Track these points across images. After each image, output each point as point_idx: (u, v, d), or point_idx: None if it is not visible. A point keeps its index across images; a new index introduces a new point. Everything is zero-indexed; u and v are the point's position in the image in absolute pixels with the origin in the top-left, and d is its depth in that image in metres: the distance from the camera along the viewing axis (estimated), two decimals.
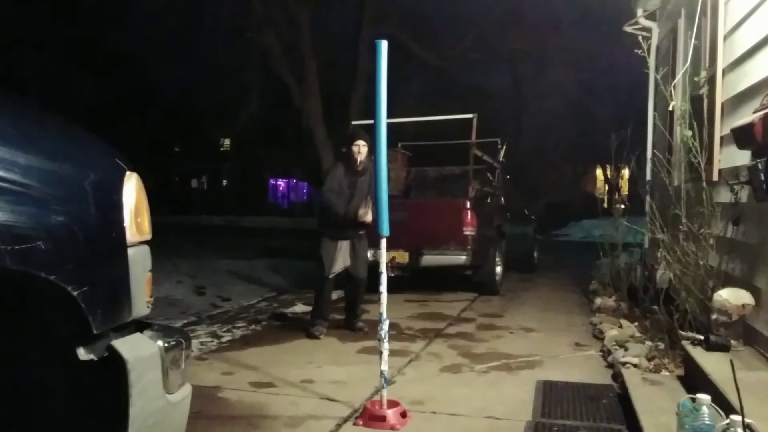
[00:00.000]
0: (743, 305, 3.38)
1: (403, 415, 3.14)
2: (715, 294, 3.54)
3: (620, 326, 4.89)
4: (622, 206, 6.42)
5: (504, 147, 9.02)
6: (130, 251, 1.69)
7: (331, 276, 5.19)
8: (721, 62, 4.22)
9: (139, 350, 1.64)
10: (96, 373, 1.57)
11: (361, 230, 5.25)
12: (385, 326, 3.20)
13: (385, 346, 3.19)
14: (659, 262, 4.79)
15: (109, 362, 1.56)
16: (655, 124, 6.61)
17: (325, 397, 3.50)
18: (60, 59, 19.06)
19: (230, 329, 5.46)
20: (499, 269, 7.64)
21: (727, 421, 2.23)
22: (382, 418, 3.06)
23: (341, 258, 5.19)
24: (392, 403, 3.17)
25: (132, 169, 1.76)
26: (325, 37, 14.27)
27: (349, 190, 5.16)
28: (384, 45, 3.15)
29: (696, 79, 4.67)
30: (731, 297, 3.42)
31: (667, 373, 3.68)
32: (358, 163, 5.13)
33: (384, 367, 3.17)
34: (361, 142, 5.12)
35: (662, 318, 4.27)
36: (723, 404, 2.46)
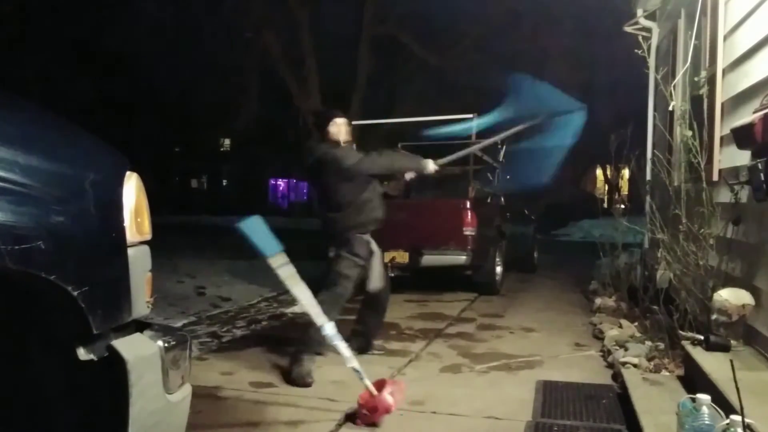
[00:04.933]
0: (743, 305, 3.38)
1: (392, 390, 3.14)
2: (715, 294, 3.54)
3: (620, 326, 4.89)
4: (622, 206, 6.42)
5: (504, 147, 9.01)
6: (130, 251, 1.69)
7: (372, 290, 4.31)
8: (721, 62, 4.22)
9: (139, 350, 1.64)
10: (96, 373, 1.57)
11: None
12: (327, 328, 3.20)
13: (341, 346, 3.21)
14: (659, 262, 4.79)
15: (109, 362, 1.56)
16: (655, 124, 6.62)
17: (325, 397, 3.50)
18: (60, 59, 19.06)
19: (230, 329, 5.46)
20: (499, 269, 7.63)
21: (727, 421, 2.23)
22: (374, 409, 3.07)
23: (378, 262, 4.23)
24: (378, 384, 3.16)
25: (132, 169, 1.76)
26: (325, 37, 14.28)
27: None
28: None
29: (696, 79, 4.67)
30: (731, 297, 3.42)
31: (667, 373, 3.68)
32: (340, 143, 4.16)
33: (352, 364, 3.18)
34: (339, 120, 4.19)
35: (662, 318, 4.27)
36: (723, 404, 2.46)
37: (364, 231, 4.17)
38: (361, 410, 3.13)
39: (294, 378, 3.79)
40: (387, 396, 3.08)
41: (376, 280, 4.25)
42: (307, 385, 3.74)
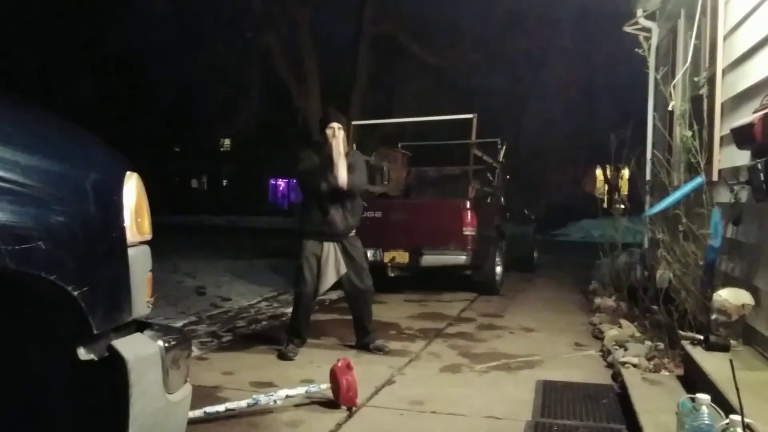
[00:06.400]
0: (743, 305, 3.38)
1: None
2: (714, 294, 3.54)
3: (620, 326, 4.88)
4: (622, 206, 6.42)
5: (504, 147, 9.03)
6: (131, 251, 1.69)
7: (319, 294, 4.57)
8: (720, 62, 4.22)
9: (139, 350, 1.64)
10: (96, 373, 1.57)
11: (353, 228, 4.57)
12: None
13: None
14: (659, 262, 4.79)
15: (110, 362, 1.56)
16: (654, 124, 6.62)
17: (325, 397, 3.50)
18: (61, 59, 19.06)
19: (230, 329, 5.46)
20: (498, 269, 7.64)
21: (727, 420, 2.23)
22: (348, 388, 3.30)
23: (332, 267, 4.44)
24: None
25: (132, 169, 1.76)
26: (325, 37, 14.31)
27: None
28: None
29: (696, 79, 4.67)
30: (731, 297, 3.42)
31: (667, 373, 3.68)
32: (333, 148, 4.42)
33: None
34: (335, 125, 4.42)
35: (662, 318, 4.27)
36: (722, 404, 2.47)
37: (309, 238, 4.50)
38: (348, 394, 3.30)
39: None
40: (342, 378, 3.31)
41: (320, 284, 4.47)
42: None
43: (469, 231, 6.93)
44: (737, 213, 3.73)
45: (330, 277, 4.46)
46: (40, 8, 17.36)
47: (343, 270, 4.48)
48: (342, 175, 4.32)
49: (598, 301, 6.18)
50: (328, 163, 4.36)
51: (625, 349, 4.13)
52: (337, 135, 4.40)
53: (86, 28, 18.97)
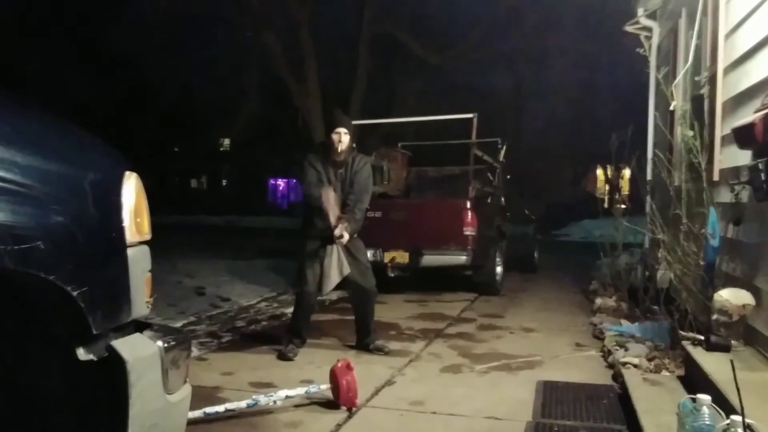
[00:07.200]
0: (744, 305, 3.37)
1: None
2: (715, 294, 3.53)
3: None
4: (623, 206, 6.42)
5: (504, 147, 9.02)
6: (130, 251, 1.69)
7: (322, 294, 4.61)
8: (722, 62, 4.21)
9: (138, 350, 1.64)
10: (95, 373, 1.56)
11: (355, 232, 4.56)
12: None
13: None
14: (660, 262, 4.79)
15: (109, 363, 1.56)
16: (655, 124, 6.61)
17: (325, 398, 3.50)
18: (60, 59, 19.05)
19: (230, 329, 5.45)
20: (499, 269, 7.63)
21: (728, 421, 2.23)
22: (348, 388, 3.32)
23: (335, 268, 4.42)
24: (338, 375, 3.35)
25: (131, 169, 1.76)
26: (325, 37, 14.29)
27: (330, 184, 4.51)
28: None
29: (697, 78, 4.67)
30: (732, 297, 3.41)
31: (668, 374, 3.68)
32: (339, 152, 4.45)
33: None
34: (342, 129, 4.45)
35: (662, 318, 4.26)
36: (723, 404, 2.46)
37: (311, 238, 4.51)
38: (348, 394, 3.31)
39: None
40: (342, 379, 3.33)
41: (324, 284, 4.45)
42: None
43: (469, 231, 6.92)
44: (738, 213, 3.72)
45: (334, 278, 4.43)
46: (40, 7, 17.35)
47: (347, 270, 4.45)
48: (345, 238, 4.37)
49: (598, 301, 6.17)
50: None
51: (626, 350, 4.12)
52: (343, 140, 4.44)
53: (85, 28, 18.96)
